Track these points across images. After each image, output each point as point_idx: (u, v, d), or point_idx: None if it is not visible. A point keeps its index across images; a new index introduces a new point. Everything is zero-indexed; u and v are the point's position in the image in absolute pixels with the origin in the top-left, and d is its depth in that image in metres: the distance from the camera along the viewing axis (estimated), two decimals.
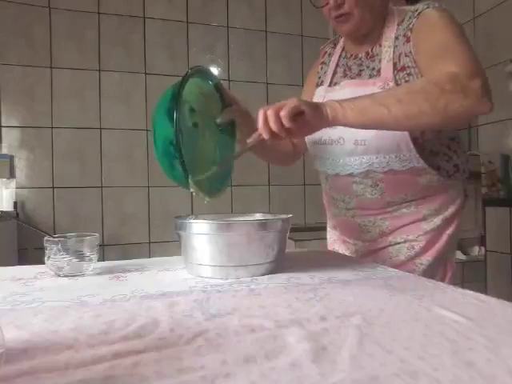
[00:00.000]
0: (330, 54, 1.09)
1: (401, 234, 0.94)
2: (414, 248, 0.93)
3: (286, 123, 0.68)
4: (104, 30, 2.51)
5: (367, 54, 0.95)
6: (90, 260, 0.76)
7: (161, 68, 2.61)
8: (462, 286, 0.62)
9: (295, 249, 2.02)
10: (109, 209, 2.51)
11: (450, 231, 0.93)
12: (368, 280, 0.68)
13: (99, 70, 2.50)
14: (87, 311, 0.52)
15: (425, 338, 0.41)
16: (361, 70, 0.95)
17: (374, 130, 0.82)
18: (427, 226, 0.93)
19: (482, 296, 0.56)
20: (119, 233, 2.52)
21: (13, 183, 2.36)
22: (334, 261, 0.89)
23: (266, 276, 0.72)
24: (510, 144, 2.42)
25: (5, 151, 2.34)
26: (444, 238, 0.93)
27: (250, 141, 0.75)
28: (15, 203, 2.31)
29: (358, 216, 0.98)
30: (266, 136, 0.70)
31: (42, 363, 0.36)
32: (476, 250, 2.48)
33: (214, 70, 2.75)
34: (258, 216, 0.90)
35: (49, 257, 0.74)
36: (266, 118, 0.69)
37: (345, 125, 0.73)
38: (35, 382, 0.33)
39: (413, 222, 0.93)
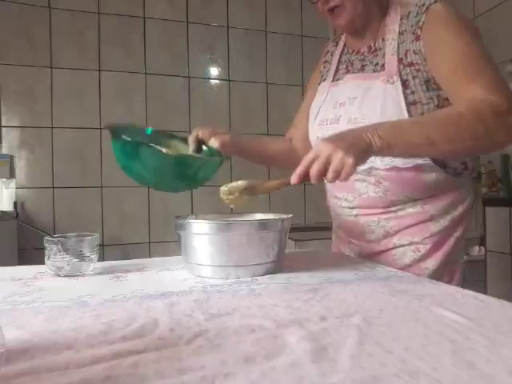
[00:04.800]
0: (332, 53, 1.08)
1: (406, 236, 0.90)
2: (419, 251, 0.88)
3: (341, 181, 0.68)
4: (104, 30, 2.51)
5: (370, 48, 0.93)
6: (90, 260, 0.76)
7: (161, 68, 2.61)
8: (462, 286, 0.62)
9: (295, 249, 2.02)
10: (109, 209, 2.51)
11: (458, 233, 0.89)
12: (368, 280, 0.68)
13: (99, 70, 2.50)
14: (87, 311, 0.52)
15: (425, 338, 0.41)
16: (363, 66, 0.92)
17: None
18: (434, 227, 0.88)
19: (482, 296, 0.56)
20: (119, 233, 2.52)
21: (13, 183, 2.36)
22: (334, 261, 0.89)
23: (266, 276, 0.72)
24: (510, 144, 2.41)
25: (5, 151, 2.34)
26: (452, 240, 0.88)
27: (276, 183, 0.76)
28: (15, 203, 2.31)
29: (361, 215, 0.94)
30: (296, 182, 0.70)
31: (42, 363, 0.36)
32: (476, 250, 2.48)
33: (214, 70, 2.75)
34: (258, 216, 0.90)
35: (49, 257, 0.74)
36: (307, 167, 0.68)
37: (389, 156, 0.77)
38: (35, 382, 0.33)
39: (419, 223, 0.88)
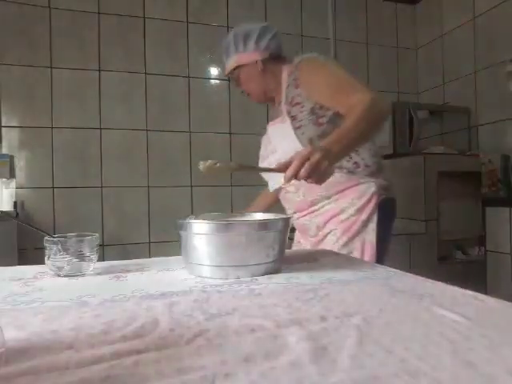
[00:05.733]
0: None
1: (328, 226, 1.20)
2: (336, 235, 1.18)
3: (316, 181, 0.88)
4: (104, 30, 2.51)
5: (278, 102, 1.30)
6: (90, 260, 0.76)
7: (161, 68, 2.61)
8: (462, 286, 0.62)
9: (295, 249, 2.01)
10: (109, 209, 2.51)
11: (363, 217, 1.16)
12: (368, 280, 0.68)
13: (99, 70, 2.50)
14: (87, 311, 0.52)
15: (425, 338, 0.41)
16: (276, 114, 1.29)
17: (283, 149, 1.16)
18: (343, 216, 1.17)
19: (482, 296, 0.56)
20: (119, 233, 2.52)
21: (13, 183, 2.36)
22: (334, 261, 0.89)
23: (266, 276, 0.72)
24: (510, 144, 2.42)
25: (5, 151, 2.34)
26: (357, 223, 1.16)
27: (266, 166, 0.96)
28: (15, 203, 2.31)
29: (300, 218, 1.25)
30: (284, 184, 0.92)
31: (42, 363, 0.36)
32: (476, 250, 2.48)
33: (214, 70, 2.75)
34: (258, 216, 0.91)
35: (49, 257, 0.74)
36: (296, 171, 0.84)
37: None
38: (35, 382, 0.33)
39: (334, 216, 1.19)
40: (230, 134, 2.73)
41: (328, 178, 0.89)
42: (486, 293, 0.56)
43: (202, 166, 0.83)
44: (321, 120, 1.16)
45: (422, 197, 2.33)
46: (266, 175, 1.31)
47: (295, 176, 0.84)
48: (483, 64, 2.60)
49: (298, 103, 1.18)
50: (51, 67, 2.41)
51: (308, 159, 0.83)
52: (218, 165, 0.82)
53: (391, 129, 2.49)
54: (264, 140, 1.34)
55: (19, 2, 2.35)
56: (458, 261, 2.44)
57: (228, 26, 2.75)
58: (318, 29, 2.89)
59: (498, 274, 2.21)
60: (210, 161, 0.82)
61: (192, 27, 2.68)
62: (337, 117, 1.13)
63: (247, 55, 1.26)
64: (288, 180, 0.85)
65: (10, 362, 0.36)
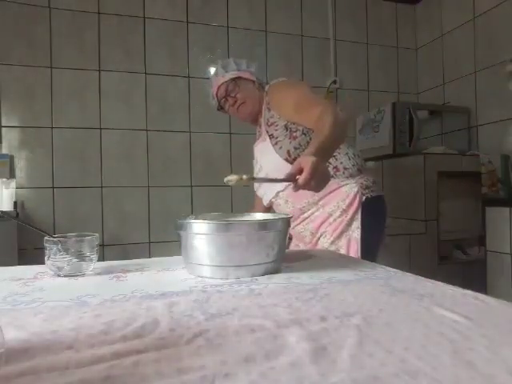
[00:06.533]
0: None
1: (320, 231, 1.28)
2: (326, 236, 1.27)
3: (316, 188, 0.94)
4: (104, 30, 2.51)
5: (259, 124, 1.44)
6: (90, 260, 0.76)
7: (161, 68, 2.61)
8: (462, 286, 0.62)
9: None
10: (109, 209, 2.51)
11: (348, 217, 1.24)
12: (368, 280, 0.68)
13: (99, 70, 2.50)
14: (87, 311, 0.52)
15: (425, 338, 0.41)
16: (259, 134, 1.45)
17: (267, 166, 1.32)
18: (332, 219, 1.26)
19: (482, 296, 0.56)
20: (119, 233, 2.51)
21: (13, 183, 2.36)
22: (334, 261, 0.89)
23: (266, 276, 0.72)
24: (510, 144, 2.42)
25: (5, 151, 2.34)
26: (343, 222, 1.24)
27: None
28: (15, 203, 2.30)
29: (295, 226, 1.32)
30: (297, 190, 0.91)
31: (42, 363, 0.36)
32: (476, 250, 2.47)
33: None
34: (258, 216, 0.91)
35: (49, 257, 0.74)
36: (309, 180, 0.88)
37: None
38: (35, 382, 0.33)
39: (324, 221, 1.27)
40: (230, 133, 2.73)
41: (325, 186, 0.96)
42: (486, 293, 0.56)
43: (233, 182, 0.84)
44: (295, 134, 1.28)
45: (422, 197, 2.33)
46: (260, 193, 1.44)
47: (307, 184, 0.87)
48: (483, 64, 2.60)
49: (272, 123, 1.34)
50: (51, 67, 2.41)
51: (317, 169, 0.87)
52: (251, 180, 0.86)
53: (391, 129, 2.48)
54: (254, 162, 1.46)
55: (19, 2, 2.35)
56: (458, 261, 2.44)
57: (228, 26, 2.75)
58: (317, 29, 2.89)
59: (497, 274, 2.21)
60: (244, 176, 0.84)
61: (192, 27, 2.68)
62: (309, 129, 1.26)
63: (247, 73, 1.46)
64: (299, 189, 0.88)
65: (10, 361, 0.36)
